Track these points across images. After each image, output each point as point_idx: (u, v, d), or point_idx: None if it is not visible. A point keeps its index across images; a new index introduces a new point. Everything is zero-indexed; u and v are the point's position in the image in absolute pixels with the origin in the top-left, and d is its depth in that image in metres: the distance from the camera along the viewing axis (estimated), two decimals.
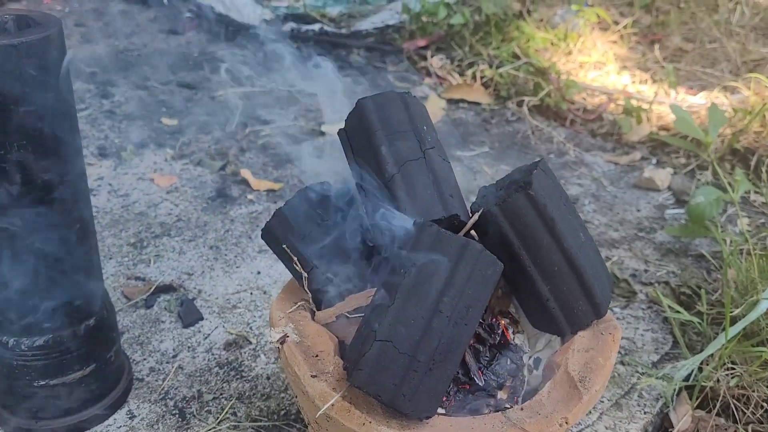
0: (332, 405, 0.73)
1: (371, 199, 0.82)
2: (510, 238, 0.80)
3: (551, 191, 0.82)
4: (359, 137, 0.83)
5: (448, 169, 0.85)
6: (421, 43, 2.62)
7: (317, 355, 0.79)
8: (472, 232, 0.85)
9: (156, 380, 1.16)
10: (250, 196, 1.69)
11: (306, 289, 0.86)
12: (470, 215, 0.84)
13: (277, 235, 0.87)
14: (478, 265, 0.72)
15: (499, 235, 0.81)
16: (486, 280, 0.73)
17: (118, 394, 1.09)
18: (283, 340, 0.81)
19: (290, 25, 2.77)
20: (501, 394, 0.81)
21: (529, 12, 2.78)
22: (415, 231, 0.74)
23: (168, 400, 1.12)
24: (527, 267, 0.81)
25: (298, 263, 0.86)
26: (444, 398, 0.79)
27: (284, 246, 0.85)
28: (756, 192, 1.79)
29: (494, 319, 0.85)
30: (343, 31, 2.80)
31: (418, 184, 0.80)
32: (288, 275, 0.92)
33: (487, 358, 0.82)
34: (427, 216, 0.79)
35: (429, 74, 2.48)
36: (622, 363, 1.23)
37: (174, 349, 1.23)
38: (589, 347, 0.81)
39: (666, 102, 2.24)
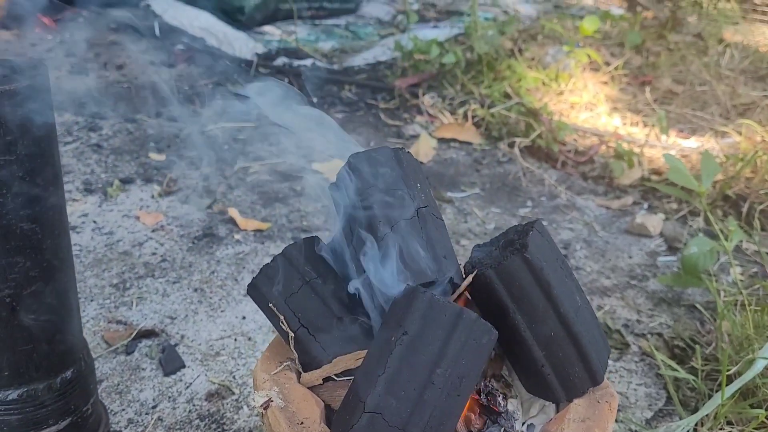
0: None
1: (362, 259, 0.79)
2: (505, 302, 0.78)
3: (547, 253, 0.80)
4: (350, 194, 0.81)
5: (442, 228, 0.82)
6: (413, 80, 2.62)
7: (302, 423, 0.76)
8: (465, 293, 0.83)
9: None
10: (237, 236, 1.66)
11: (292, 348, 0.83)
12: (464, 276, 0.82)
13: (264, 292, 0.84)
14: (473, 334, 0.69)
15: (494, 298, 0.78)
16: (480, 349, 0.70)
17: None
18: (267, 405, 0.77)
19: (282, 60, 2.76)
20: None
21: (520, 51, 2.80)
22: (407, 296, 0.72)
23: None
24: (522, 332, 0.79)
25: (284, 322, 0.82)
26: None
27: (271, 305, 0.82)
28: (748, 241, 1.78)
29: (487, 384, 0.82)
30: (335, 66, 2.79)
31: (410, 244, 0.78)
32: None
33: (478, 427, 0.79)
34: (420, 278, 0.77)
35: (420, 112, 2.47)
36: (615, 420, 1.20)
37: (154, 399, 1.18)
38: (585, 417, 0.78)
39: (658, 145, 2.24)
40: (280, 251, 0.86)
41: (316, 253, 0.86)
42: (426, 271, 0.77)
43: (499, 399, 0.81)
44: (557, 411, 0.83)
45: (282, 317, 0.82)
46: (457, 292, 0.79)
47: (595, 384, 0.81)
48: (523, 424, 0.84)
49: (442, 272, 0.78)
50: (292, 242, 0.89)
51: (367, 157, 0.82)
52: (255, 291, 0.85)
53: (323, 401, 0.81)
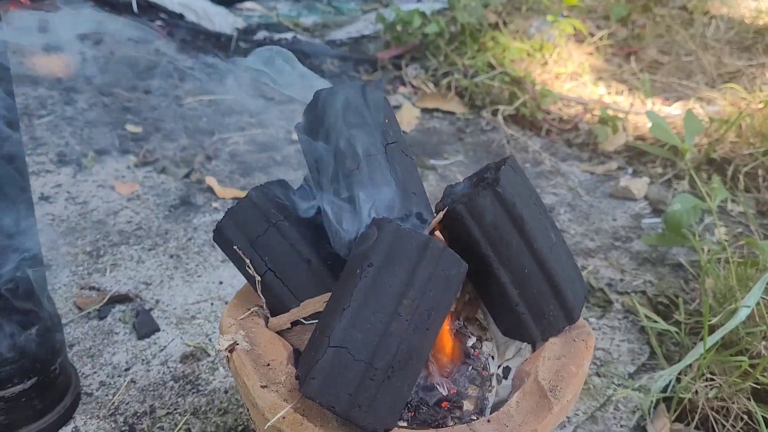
0: (283, 417, 0.67)
1: (330, 197, 0.77)
2: (476, 238, 0.75)
3: (520, 189, 0.77)
4: (317, 131, 0.78)
5: (411, 165, 0.80)
6: (396, 52, 2.58)
7: (269, 364, 0.73)
8: (438, 233, 0.80)
9: (106, 395, 1.09)
10: (214, 204, 1.63)
11: (260, 293, 0.81)
12: (435, 214, 0.79)
13: (229, 237, 0.81)
14: (441, 265, 0.66)
15: (466, 234, 0.76)
16: (449, 281, 0.67)
17: (62, 409, 1.02)
18: (232, 348, 0.75)
19: (263, 34, 2.72)
20: (467, 405, 0.76)
21: (504, 23, 2.77)
22: (373, 229, 0.69)
23: (118, 416, 1.05)
24: (495, 269, 0.76)
25: (250, 266, 0.80)
26: (405, 410, 0.73)
27: (235, 247, 0.79)
28: (733, 201, 1.76)
29: (458, 324, 0.80)
30: (317, 40, 2.76)
31: (378, 180, 0.75)
32: None
33: (451, 367, 0.77)
34: (387, 214, 0.74)
35: (403, 83, 2.44)
36: (597, 374, 1.18)
37: (127, 362, 1.16)
38: (561, 354, 0.76)
39: (642, 112, 2.22)
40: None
41: (283, 196, 0.83)
42: (394, 207, 0.74)
43: (471, 340, 0.78)
44: (533, 352, 0.81)
45: (248, 261, 0.80)
46: (428, 228, 0.76)
47: (570, 322, 0.79)
48: (499, 366, 0.82)
49: (411, 208, 0.75)
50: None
51: (333, 93, 0.79)
52: (220, 235, 0.82)
53: (292, 345, 0.79)
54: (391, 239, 0.66)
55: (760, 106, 2.01)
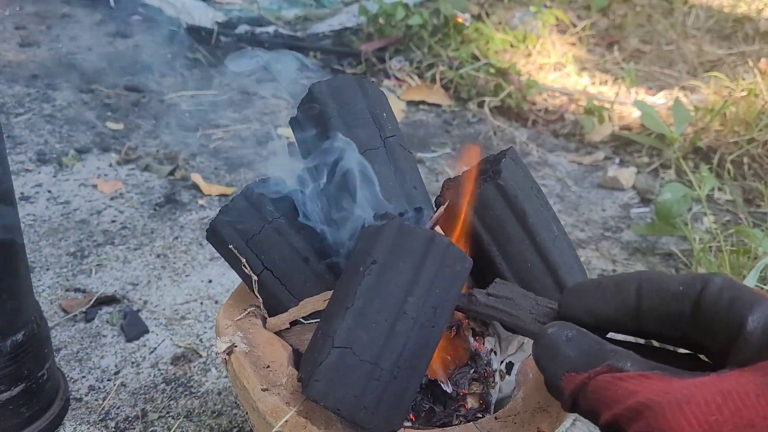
0: (286, 421, 0.65)
1: (327, 193, 0.75)
2: (478, 232, 0.74)
3: (522, 181, 0.76)
4: (313, 124, 0.76)
5: (410, 159, 0.78)
6: (379, 45, 2.56)
7: (269, 366, 0.71)
8: (438, 228, 0.79)
9: (96, 399, 1.06)
10: (201, 202, 1.60)
11: (256, 293, 0.78)
12: (435, 208, 0.77)
13: (223, 235, 0.79)
14: (446, 261, 0.65)
15: (467, 228, 0.74)
16: (455, 277, 0.66)
17: (52, 416, 0.99)
18: (230, 351, 0.72)
19: (243, 28, 2.68)
20: (472, 402, 0.74)
21: (487, 14, 2.76)
22: (375, 225, 0.67)
23: (108, 421, 1.02)
24: (497, 263, 0.75)
25: (246, 265, 0.77)
26: (410, 409, 0.71)
27: (230, 246, 0.77)
28: (719, 189, 1.77)
29: (458, 321, 0.78)
30: (299, 33, 2.72)
31: (378, 174, 0.73)
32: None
33: (454, 364, 0.75)
34: (389, 209, 0.72)
35: (388, 76, 2.42)
36: None
37: (116, 365, 1.13)
38: None
39: (627, 102, 2.22)
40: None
41: (279, 192, 0.81)
42: (395, 202, 0.72)
43: (472, 336, 0.77)
44: None
45: (244, 260, 0.77)
46: (430, 223, 0.75)
47: None
48: (502, 362, 0.80)
49: (412, 203, 0.73)
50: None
51: (328, 86, 0.77)
52: (214, 234, 0.80)
53: (291, 345, 0.77)
54: (395, 235, 0.64)
55: (743, 94, 2.02)
